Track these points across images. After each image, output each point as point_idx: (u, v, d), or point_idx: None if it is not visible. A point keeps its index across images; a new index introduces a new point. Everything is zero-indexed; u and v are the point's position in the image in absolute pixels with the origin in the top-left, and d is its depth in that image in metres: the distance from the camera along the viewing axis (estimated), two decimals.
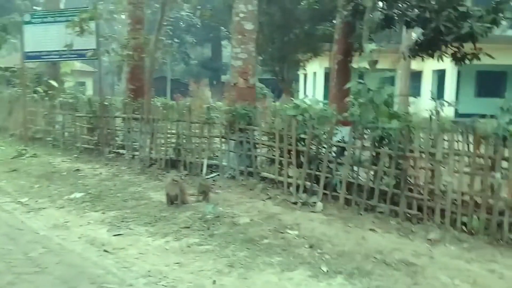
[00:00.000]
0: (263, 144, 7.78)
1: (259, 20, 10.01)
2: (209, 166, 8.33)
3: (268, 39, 19.06)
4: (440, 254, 4.86)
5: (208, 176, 7.97)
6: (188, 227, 5.50)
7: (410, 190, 5.93)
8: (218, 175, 8.11)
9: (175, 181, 6.36)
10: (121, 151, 9.96)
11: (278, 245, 4.95)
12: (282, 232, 5.33)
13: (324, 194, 6.60)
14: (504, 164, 5.28)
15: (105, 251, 4.80)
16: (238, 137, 7.89)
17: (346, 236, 5.32)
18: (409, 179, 6.00)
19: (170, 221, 5.75)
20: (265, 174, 7.46)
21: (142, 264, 4.47)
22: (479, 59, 9.09)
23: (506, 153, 5.23)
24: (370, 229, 5.54)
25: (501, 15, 8.46)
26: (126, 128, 9.80)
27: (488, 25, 8.11)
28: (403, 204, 5.90)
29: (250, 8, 8.25)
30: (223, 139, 8.20)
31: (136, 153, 9.47)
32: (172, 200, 6.38)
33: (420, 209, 5.80)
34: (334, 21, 13.04)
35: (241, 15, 8.22)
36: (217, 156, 8.42)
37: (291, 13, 18.23)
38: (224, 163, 8.10)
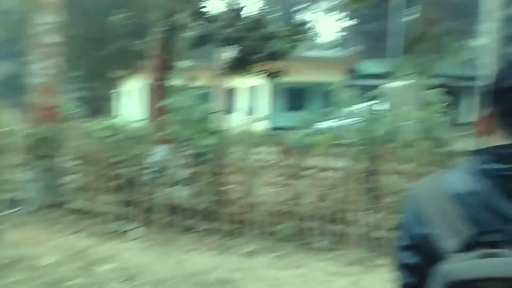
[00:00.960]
0: (73, 171, 7.08)
1: (68, 33, 9.19)
2: (11, 200, 7.22)
3: (81, 53, 17.84)
4: (256, 266, 4.99)
5: (6, 213, 6.90)
6: None
7: (228, 206, 6.03)
8: (20, 209, 7.08)
9: None
10: None
11: (88, 284, 4.46)
12: (94, 268, 4.84)
13: (144, 219, 6.28)
14: (308, 172, 5.75)
15: None
16: (42, 164, 7.03)
17: (166, 261, 5.09)
18: (226, 194, 6.10)
19: None
20: (75, 204, 6.78)
21: None
22: (285, 76, 9.92)
23: (309, 162, 5.70)
24: (191, 250, 5.44)
25: (300, 36, 9.38)
26: None
27: (291, 44, 8.90)
28: (222, 220, 5.96)
29: (54, 19, 7.48)
30: (25, 167, 7.21)
31: None
32: None
33: (238, 223, 5.92)
34: (151, 37, 12.82)
35: (43, 26, 7.39)
36: (18, 188, 7.36)
37: (105, 26, 17.41)
38: (27, 195, 7.12)
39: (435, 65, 6.99)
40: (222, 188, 6.02)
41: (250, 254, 5.32)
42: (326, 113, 10.46)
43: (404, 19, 29.60)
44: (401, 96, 6.48)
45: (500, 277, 0.86)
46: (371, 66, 26.81)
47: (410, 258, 1.08)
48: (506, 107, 1.03)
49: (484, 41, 16.27)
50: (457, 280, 0.89)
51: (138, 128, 7.11)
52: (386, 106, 6.37)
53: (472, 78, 22.77)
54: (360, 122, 6.09)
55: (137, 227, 6.10)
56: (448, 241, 0.97)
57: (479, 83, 15.65)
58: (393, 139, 5.44)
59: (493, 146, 1.04)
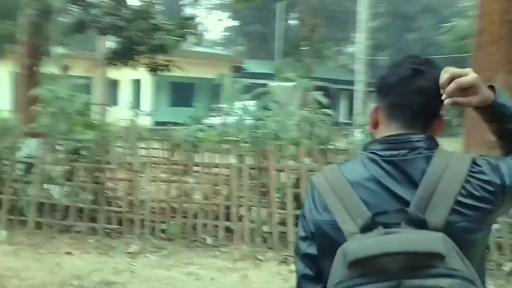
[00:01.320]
0: None
1: None
2: None
3: None
4: (141, 267, 4.75)
5: None
6: None
7: (109, 204, 5.65)
8: None
9: None
10: None
11: None
12: None
13: (10, 220, 5.61)
14: (196, 169, 5.63)
15: None
16: None
17: (37, 265, 4.60)
18: (107, 192, 5.71)
19: None
20: None
21: None
22: (170, 70, 9.64)
23: (197, 158, 5.58)
24: (67, 253, 4.98)
25: (187, 30, 9.19)
26: None
27: (177, 38, 8.67)
28: (102, 219, 5.56)
29: None
30: None
31: None
32: None
33: (120, 222, 5.58)
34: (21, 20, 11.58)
35: None
36: None
37: None
38: None
39: (315, 69, 7.36)
40: (104, 186, 5.63)
41: (135, 254, 5.05)
42: (213, 109, 10.45)
43: (286, 23, 30.94)
44: (285, 96, 6.67)
45: (395, 251, 0.92)
46: (256, 66, 27.55)
47: (310, 248, 1.12)
48: (388, 101, 1.15)
49: (357, 48, 17.67)
50: (358, 258, 0.93)
51: (4, 119, 6.33)
52: (271, 105, 6.50)
53: (349, 82, 24.68)
54: (247, 119, 6.15)
55: (2, 229, 5.42)
56: (348, 224, 1.03)
57: (355, 87, 17.05)
58: (279, 137, 5.56)
59: (382, 137, 1.14)
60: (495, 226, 4.83)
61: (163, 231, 5.51)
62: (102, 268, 4.67)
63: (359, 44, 17.61)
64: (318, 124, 5.58)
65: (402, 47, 32.31)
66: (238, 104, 6.99)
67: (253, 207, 5.39)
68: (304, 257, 1.14)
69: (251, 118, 5.85)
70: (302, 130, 5.40)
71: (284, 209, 5.22)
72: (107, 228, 5.55)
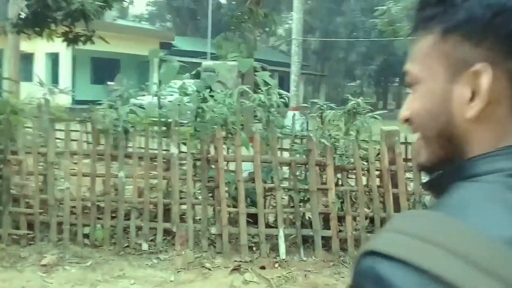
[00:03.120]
0: None
1: None
2: None
3: None
4: (58, 284, 3.80)
5: None
6: None
7: (17, 204, 4.54)
8: None
9: None
10: None
11: None
12: None
13: None
14: (129, 161, 4.67)
15: None
16: None
17: None
18: (13, 189, 4.58)
19: None
20: None
21: None
22: (93, 42, 8.36)
23: (129, 147, 4.63)
24: None
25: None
26: None
27: (101, 4, 7.43)
28: (7, 223, 4.45)
29: None
30: None
31: None
32: None
33: (31, 226, 4.50)
34: None
35: None
36: None
37: None
38: None
39: (254, 48, 6.69)
40: (9, 181, 4.50)
41: (51, 266, 4.05)
42: (143, 88, 9.37)
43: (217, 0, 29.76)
44: (224, 76, 5.85)
45: None
46: (185, 43, 26.21)
47: None
48: None
49: (293, 29, 17.12)
50: None
51: None
52: (215, 85, 5.66)
53: (281, 64, 24.19)
54: (188, 101, 5.27)
55: None
56: None
57: (290, 69, 16.53)
58: (228, 122, 4.76)
59: None
60: None
61: (86, 236, 4.52)
62: (7, 286, 3.68)
63: (294, 25, 17.05)
64: (267, 108, 4.84)
65: (331, 30, 32.47)
66: (175, 84, 6.07)
67: (198, 205, 4.57)
68: None
69: (194, 100, 4.97)
70: (255, 115, 4.63)
71: (236, 207, 4.46)
72: (14, 234, 4.46)
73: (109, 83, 18.97)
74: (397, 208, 4.36)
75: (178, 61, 5.79)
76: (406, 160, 4.77)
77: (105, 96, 5.51)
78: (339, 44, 31.48)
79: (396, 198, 4.40)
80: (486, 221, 0.48)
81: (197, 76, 6.30)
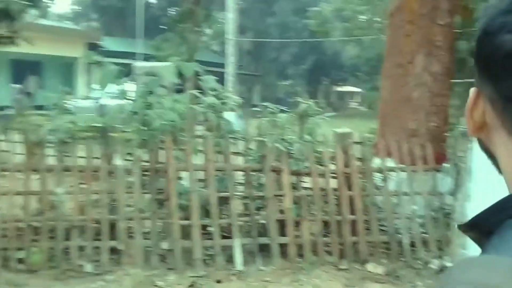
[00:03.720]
0: None
1: None
2: None
3: None
4: None
5: None
6: None
7: None
8: None
9: None
10: None
11: None
12: None
13: None
14: (67, 173, 4.25)
15: None
16: None
17: None
18: None
19: None
20: None
21: None
22: (17, 44, 7.68)
23: (67, 159, 4.20)
24: None
25: None
26: None
27: (27, 3, 6.81)
28: None
29: None
30: None
31: None
32: None
33: None
34: None
35: None
36: None
37: None
38: None
39: (195, 49, 6.43)
40: None
41: None
42: (69, 92, 8.74)
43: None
44: (162, 78, 5.54)
45: None
46: (114, 44, 25.16)
47: None
48: None
49: (227, 29, 16.96)
50: None
51: None
52: (158, 89, 5.32)
53: (215, 64, 23.89)
54: (125, 105, 4.92)
55: None
56: None
57: (227, 70, 16.32)
58: (177, 129, 4.48)
59: None
60: (418, 220, 4.48)
61: (20, 260, 4.04)
62: None
63: (228, 25, 16.88)
64: (222, 113, 4.63)
65: (262, 30, 32.69)
66: (113, 88, 5.67)
67: (147, 220, 4.25)
68: None
69: (138, 106, 4.63)
70: (206, 121, 4.39)
71: (188, 219, 4.19)
72: None
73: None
74: (352, 211, 4.33)
75: (110, 62, 5.39)
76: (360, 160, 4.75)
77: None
78: (271, 44, 31.79)
79: (351, 200, 4.36)
80: None
81: (131, 79, 5.94)
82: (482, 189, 3.73)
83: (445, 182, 4.46)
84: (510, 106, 0.48)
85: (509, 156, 0.51)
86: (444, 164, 4.50)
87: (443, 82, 4.93)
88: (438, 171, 4.51)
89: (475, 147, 3.85)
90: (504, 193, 0.51)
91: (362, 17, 19.21)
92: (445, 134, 4.80)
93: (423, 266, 4.24)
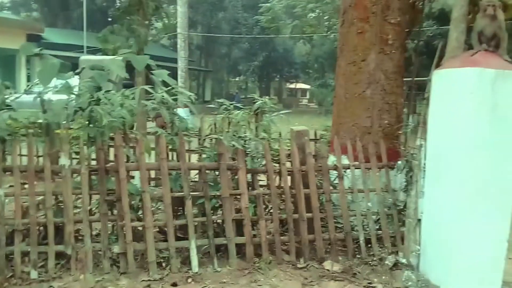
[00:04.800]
0: None
1: None
2: None
3: None
4: None
5: None
6: None
7: None
8: None
9: None
10: None
11: None
12: None
13: None
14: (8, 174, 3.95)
15: None
16: None
17: None
18: None
19: None
20: None
21: None
22: None
23: (9, 161, 3.91)
24: None
25: None
26: None
27: None
28: None
29: None
30: None
31: None
32: None
33: None
34: None
35: None
36: None
37: None
38: None
39: (145, 43, 6.20)
40: None
41: None
42: (8, 86, 8.20)
43: None
44: (110, 72, 5.28)
45: None
46: (57, 35, 24.05)
47: None
48: None
49: (179, 23, 16.59)
50: None
51: None
52: (98, 85, 5.05)
53: (165, 59, 23.35)
54: (70, 101, 4.63)
55: None
56: None
57: (178, 65, 15.98)
58: (123, 124, 4.27)
59: None
60: (373, 217, 4.53)
61: None
62: None
63: (178, 19, 16.52)
64: (175, 109, 4.46)
65: (213, 25, 32.40)
66: (57, 82, 5.32)
67: (97, 222, 4.03)
68: None
69: (84, 102, 4.36)
70: (160, 117, 4.21)
71: (141, 220, 4.02)
72: None
73: None
74: (309, 209, 4.31)
75: (50, 55, 5.05)
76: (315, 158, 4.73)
77: None
78: (222, 40, 31.55)
79: (307, 198, 4.34)
80: None
81: (77, 73, 5.60)
82: (433, 185, 3.82)
83: (398, 179, 4.54)
84: None
85: None
86: (397, 161, 4.57)
87: (395, 80, 5.01)
88: (391, 168, 4.58)
89: (427, 144, 3.94)
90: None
91: (313, 15, 19.41)
92: (398, 131, 4.89)
93: (378, 262, 4.29)
